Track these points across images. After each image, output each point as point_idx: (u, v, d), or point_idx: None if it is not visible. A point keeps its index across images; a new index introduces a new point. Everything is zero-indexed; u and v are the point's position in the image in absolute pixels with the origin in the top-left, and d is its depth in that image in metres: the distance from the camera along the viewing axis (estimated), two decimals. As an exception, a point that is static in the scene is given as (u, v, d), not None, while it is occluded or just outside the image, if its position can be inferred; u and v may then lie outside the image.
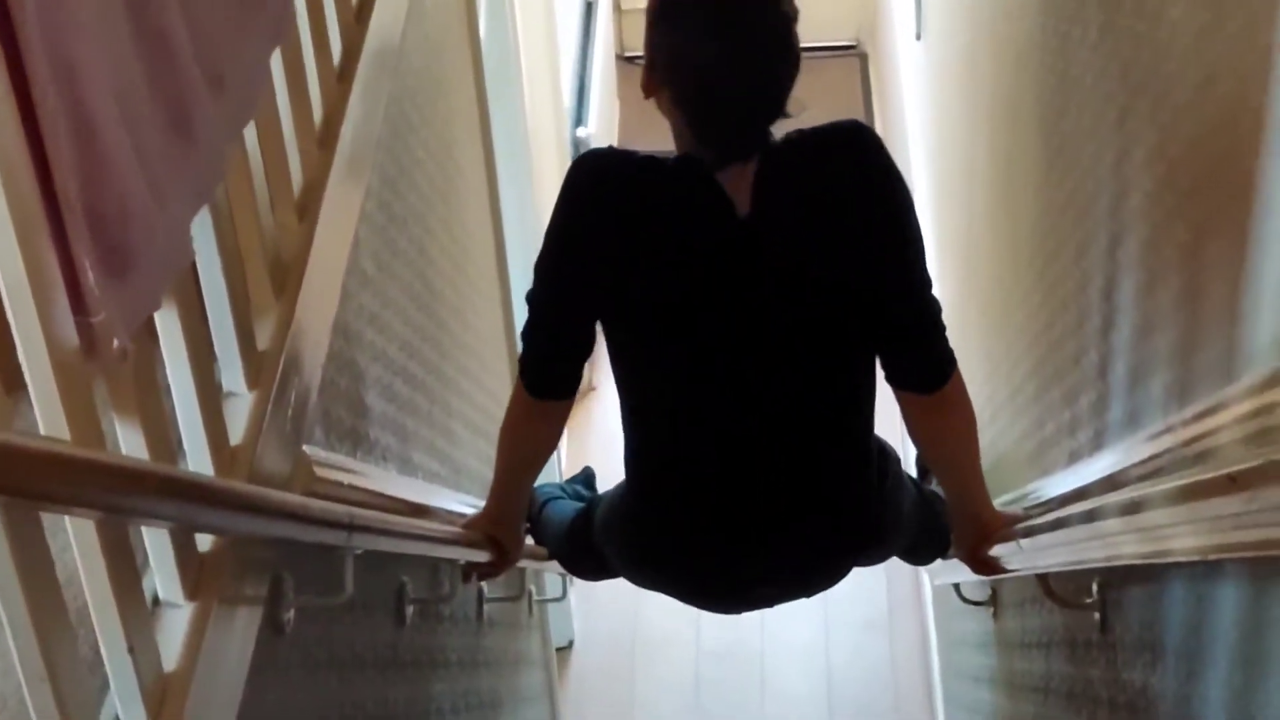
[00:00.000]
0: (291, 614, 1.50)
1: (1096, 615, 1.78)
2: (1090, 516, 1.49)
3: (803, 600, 2.16)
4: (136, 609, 1.16)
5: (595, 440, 4.86)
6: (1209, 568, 1.30)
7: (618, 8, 6.90)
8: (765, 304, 1.78)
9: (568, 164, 1.88)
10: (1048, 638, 2.20)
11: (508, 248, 3.59)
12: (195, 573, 1.30)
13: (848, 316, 1.81)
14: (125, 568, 1.14)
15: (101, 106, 1.02)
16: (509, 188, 3.77)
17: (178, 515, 1.20)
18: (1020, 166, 2.59)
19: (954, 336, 1.88)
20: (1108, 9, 1.81)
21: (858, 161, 1.75)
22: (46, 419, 1.03)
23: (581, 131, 5.09)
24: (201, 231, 1.34)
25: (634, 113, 6.29)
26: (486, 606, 2.83)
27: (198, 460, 1.35)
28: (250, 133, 1.52)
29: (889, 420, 1.99)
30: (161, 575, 1.27)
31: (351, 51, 1.99)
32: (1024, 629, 2.43)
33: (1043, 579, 1.94)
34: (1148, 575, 1.54)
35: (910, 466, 2.54)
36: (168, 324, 1.28)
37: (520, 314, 1.91)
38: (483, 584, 2.66)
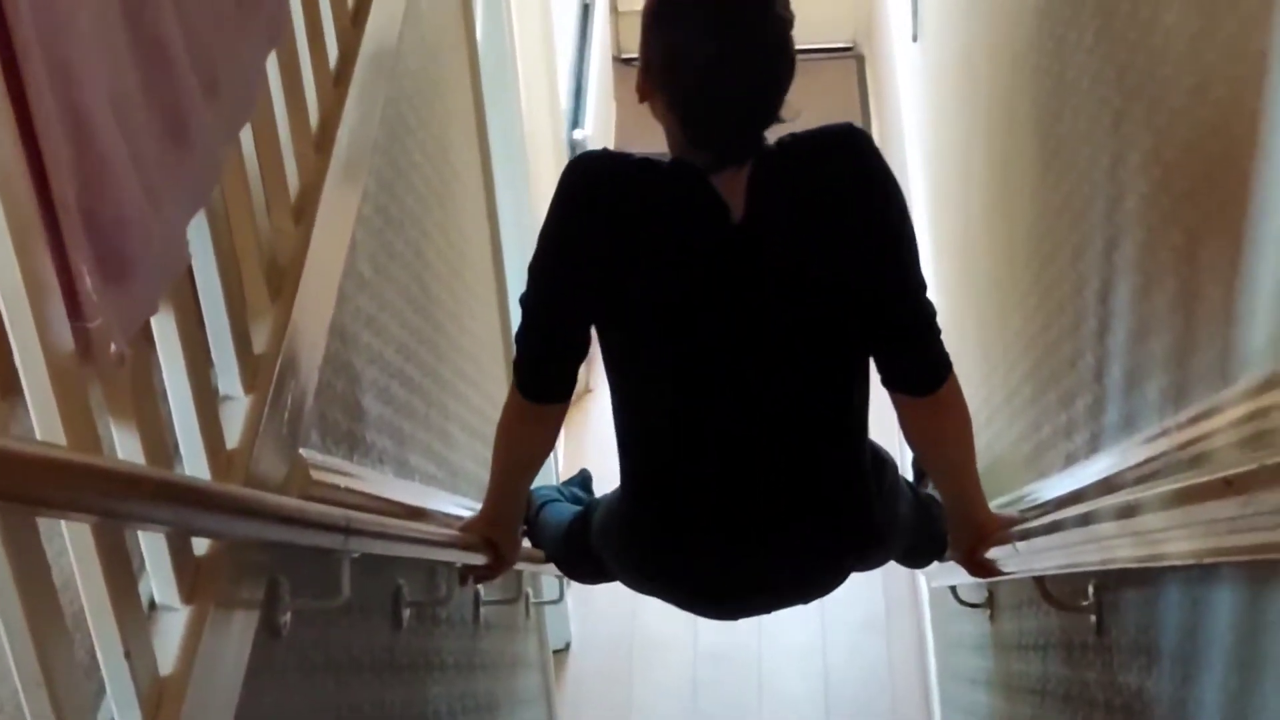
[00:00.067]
0: (288, 617, 1.50)
1: (1093, 618, 1.78)
2: (1086, 519, 1.49)
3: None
4: (133, 613, 1.16)
5: (592, 442, 4.86)
6: (1205, 571, 1.30)
7: (615, 9, 6.90)
8: (760, 307, 1.78)
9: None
10: (1044, 640, 2.20)
11: (504, 250, 3.59)
12: (191, 576, 1.30)
13: (842, 319, 1.81)
14: (121, 572, 1.14)
15: (98, 111, 1.02)
16: (506, 190, 3.77)
17: (174, 519, 1.20)
18: (1017, 169, 2.59)
19: (951, 338, 1.89)
20: (1103, 13, 1.81)
21: (851, 165, 1.75)
22: (42, 424, 1.03)
23: (578, 134, 5.08)
24: (198, 235, 1.34)
25: (631, 115, 6.28)
26: (483, 609, 2.83)
27: (194, 464, 1.35)
28: (246, 136, 1.52)
29: (885, 426, 1.99)
30: (158, 579, 1.27)
31: (348, 54, 1.99)
32: (1020, 631, 2.43)
33: (1039, 581, 1.94)
34: (1144, 578, 1.54)
35: (907, 471, 2.54)
36: (164, 328, 1.28)
37: (516, 315, 1.91)
38: (479, 586, 2.66)
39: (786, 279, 1.77)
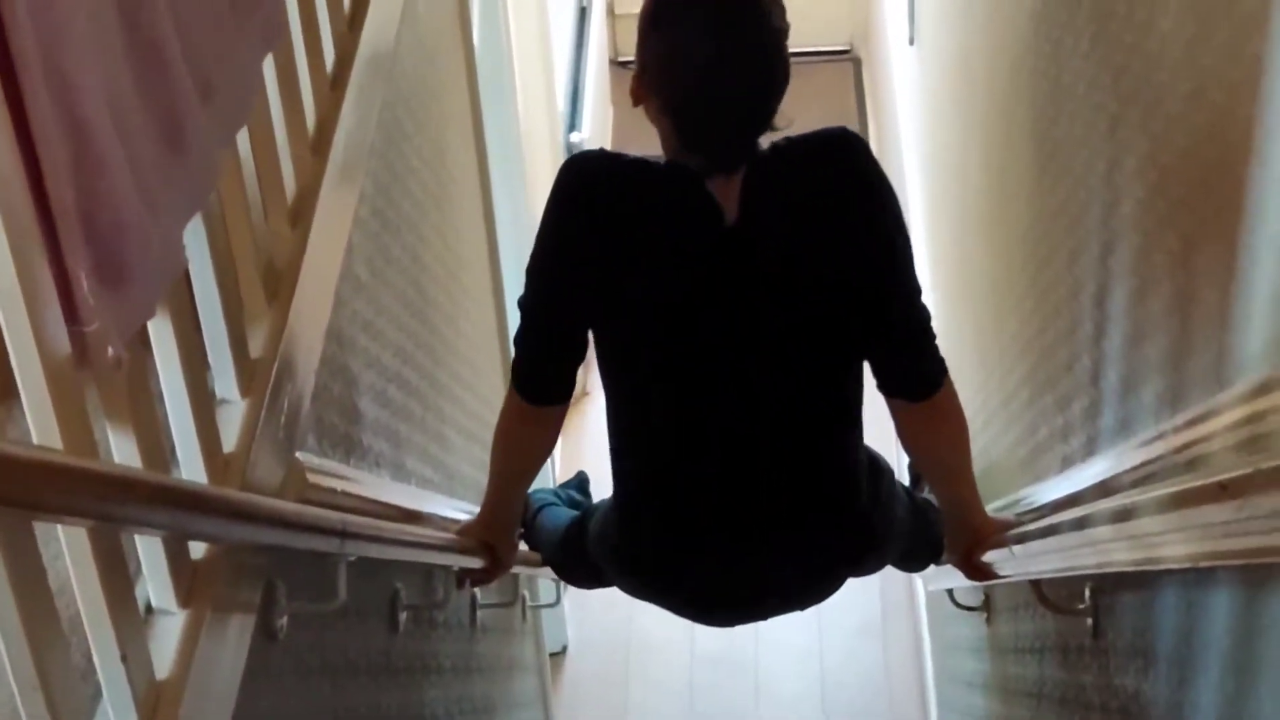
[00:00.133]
0: (285, 621, 1.50)
1: (1089, 621, 1.78)
2: (1082, 523, 1.49)
3: (796, 607, 2.16)
4: (129, 617, 1.16)
5: (589, 445, 4.85)
6: (1200, 575, 1.30)
7: (611, 12, 6.90)
8: (754, 309, 1.79)
9: (561, 170, 1.88)
10: (1041, 643, 2.20)
11: (501, 253, 3.59)
12: (188, 580, 1.30)
13: (836, 322, 1.81)
14: (118, 576, 1.14)
15: (95, 115, 1.02)
16: (502, 193, 3.77)
17: (170, 523, 1.20)
18: (1013, 172, 2.60)
19: (947, 342, 1.89)
20: (1099, 18, 1.82)
21: (845, 169, 1.75)
22: (39, 427, 1.03)
23: (575, 136, 5.09)
24: (194, 239, 1.34)
25: (628, 118, 6.28)
26: (480, 612, 2.82)
27: (191, 468, 1.35)
28: (243, 139, 1.52)
29: (882, 432, 1.99)
30: (154, 583, 1.27)
31: (345, 58, 1.99)
32: (1017, 634, 2.43)
33: (1035, 585, 1.95)
34: (1140, 582, 1.55)
35: (903, 474, 2.55)
36: (160, 331, 1.28)
37: (513, 319, 1.91)
38: (476, 590, 2.66)
39: (779, 282, 1.77)
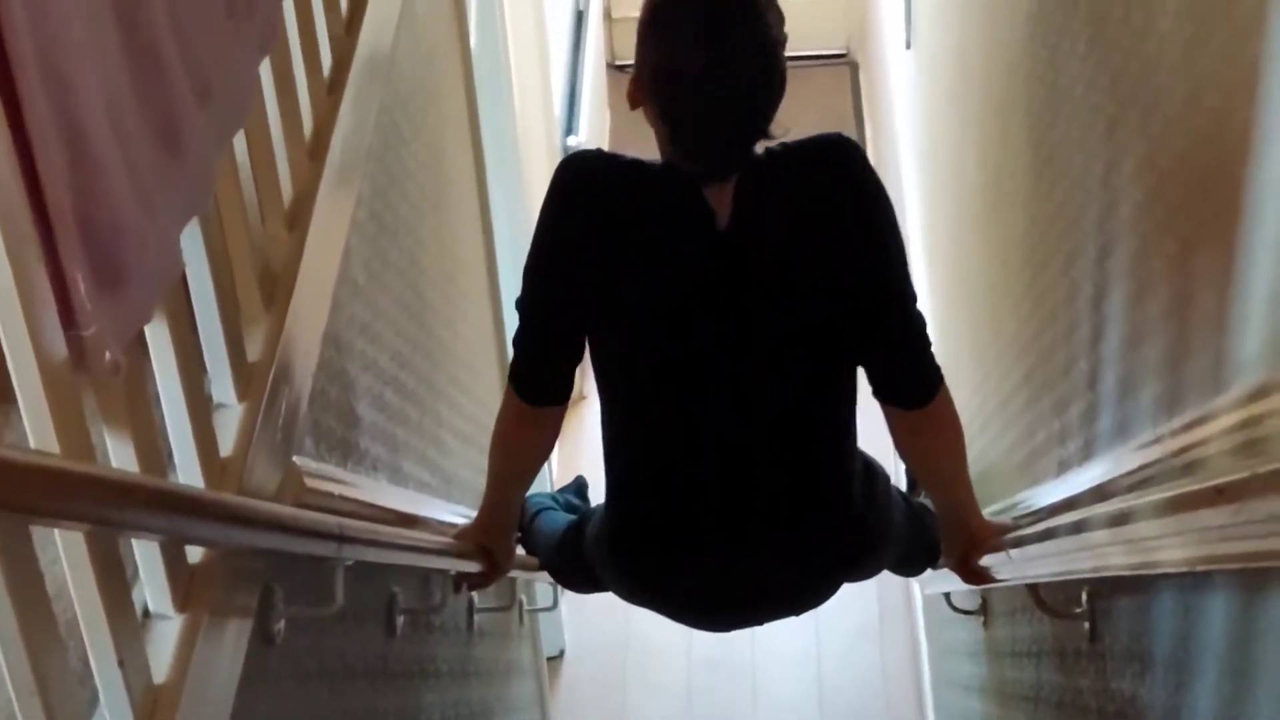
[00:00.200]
0: (282, 625, 1.50)
1: (1086, 625, 1.78)
2: (1079, 527, 1.49)
3: (792, 612, 2.16)
4: (126, 621, 1.15)
5: (587, 448, 4.85)
6: (1198, 579, 1.30)
7: (608, 16, 6.90)
8: (748, 313, 1.79)
9: (559, 173, 1.88)
10: (1038, 647, 2.20)
11: (498, 257, 3.59)
12: (185, 585, 1.30)
13: (831, 327, 1.81)
14: (115, 580, 1.13)
15: (92, 119, 1.02)
16: (500, 196, 3.77)
17: (168, 527, 1.20)
18: (1010, 176, 2.60)
19: (944, 345, 1.89)
20: (1097, 21, 1.82)
21: (840, 175, 1.75)
22: (36, 432, 1.03)
23: (572, 140, 5.09)
24: (191, 242, 1.34)
25: (625, 121, 6.29)
26: (477, 616, 2.82)
27: (188, 472, 1.35)
28: (240, 143, 1.52)
29: (878, 437, 1.99)
30: (151, 587, 1.27)
31: (342, 61, 1.99)
32: (1014, 638, 2.43)
33: (1032, 589, 1.94)
34: (1137, 586, 1.55)
35: (899, 479, 2.55)
36: (158, 335, 1.28)
37: (511, 323, 1.91)
38: (473, 594, 2.66)
39: (773, 287, 1.77)
